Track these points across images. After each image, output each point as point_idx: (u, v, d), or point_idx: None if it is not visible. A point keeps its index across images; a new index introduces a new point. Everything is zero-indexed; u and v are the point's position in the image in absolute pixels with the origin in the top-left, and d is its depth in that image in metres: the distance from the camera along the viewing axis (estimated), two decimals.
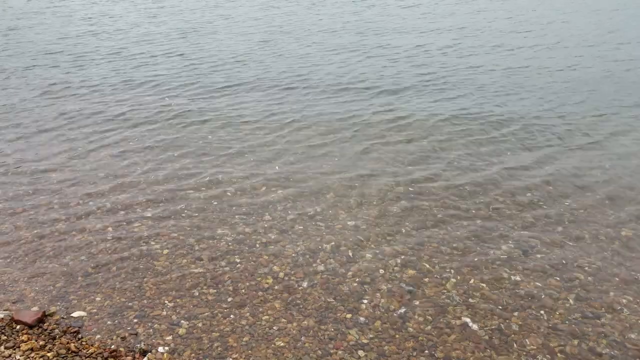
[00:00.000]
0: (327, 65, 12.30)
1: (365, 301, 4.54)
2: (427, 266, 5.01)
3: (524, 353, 3.99)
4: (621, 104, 9.31)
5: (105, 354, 3.90)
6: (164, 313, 4.41)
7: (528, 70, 11.56)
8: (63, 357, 3.85)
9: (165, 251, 5.28)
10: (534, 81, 10.78)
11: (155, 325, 4.26)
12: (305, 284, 4.77)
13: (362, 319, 4.34)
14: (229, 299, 4.58)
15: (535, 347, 4.04)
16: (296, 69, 11.94)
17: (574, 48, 13.38)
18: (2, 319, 4.32)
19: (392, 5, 19.80)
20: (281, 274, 4.90)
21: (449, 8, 19.05)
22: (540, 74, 11.28)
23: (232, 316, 4.37)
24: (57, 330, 4.20)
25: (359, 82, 10.94)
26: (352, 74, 11.57)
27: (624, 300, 4.54)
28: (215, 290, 4.69)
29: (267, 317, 4.37)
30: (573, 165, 7.05)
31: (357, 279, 4.83)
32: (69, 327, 4.23)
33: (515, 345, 4.07)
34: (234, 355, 3.95)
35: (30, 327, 4.23)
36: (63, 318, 4.36)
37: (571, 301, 4.54)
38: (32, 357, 3.85)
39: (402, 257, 5.15)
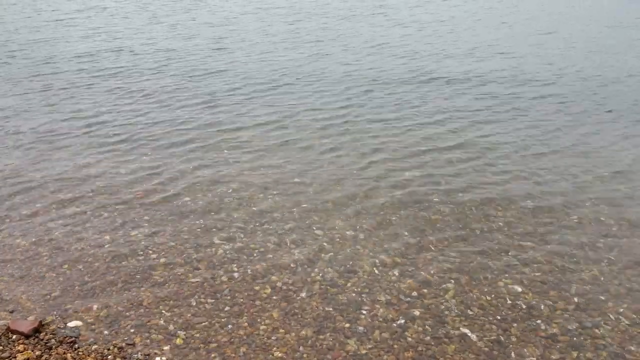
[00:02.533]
0: (330, 71, 12.33)
1: (364, 311, 4.53)
2: (426, 276, 5.00)
3: None
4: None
5: None
6: (161, 322, 4.38)
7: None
8: None
9: (163, 260, 5.25)
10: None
11: (153, 335, 4.23)
12: (303, 294, 4.75)
13: (360, 328, 4.33)
14: (227, 309, 4.55)
15: (534, 358, 4.03)
16: (300, 77, 11.97)
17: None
18: None
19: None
20: (279, 284, 4.88)
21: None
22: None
23: (229, 326, 4.34)
24: (53, 340, 4.16)
25: (362, 92, 10.96)
26: (357, 82, 11.60)
27: (623, 311, 4.54)
28: (213, 300, 4.67)
29: (265, 326, 4.34)
30: (572, 175, 7.08)
31: (355, 289, 4.81)
32: (65, 337, 4.20)
33: (513, 355, 4.06)
34: None
35: (27, 336, 4.19)
36: (59, 328, 4.32)
37: (570, 312, 4.54)
38: None
39: (401, 267, 5.14)
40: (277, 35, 16.71)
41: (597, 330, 4.32)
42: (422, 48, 14.74)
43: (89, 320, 4.40)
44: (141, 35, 16.75)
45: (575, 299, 4.69)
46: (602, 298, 4.71)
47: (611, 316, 4.48)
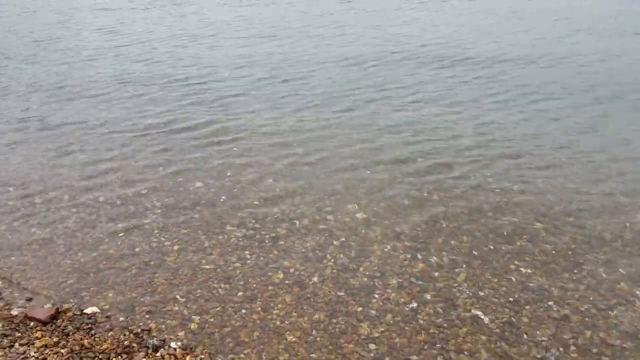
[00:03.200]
0: (337, 57, 12.28)
1: (376, 295, 4.55)
2: (438, 260, 5.01)
3: (535, 345, 3.98)
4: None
5: (119, 350, 3.93)
6: (176, 308, 4.44)
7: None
8: (77, 354, 3.88)
9: (176, 247, 5.30)
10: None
11: (168, 321, 4.29)
12: (315, 279, 4.78)
13: (373, 312, 4.35)
14: (240, 294, 4.60)
15: (546, 339, 4.04)
16: (307, 68, 11.94)
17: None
18: (16, 315, 4.36)
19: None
20: (291, 269, 4.91)
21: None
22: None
23: (243, 311, 4.39)
24: (70, 327, 4.23)
25: (373, 75, 10.91)
26: (367, 69, 11.54)
27: (635, 291, 4.53)
28: (226, 285, 4.71)
29: (278, 311, 4.38)
30: (587, 158, 7.02)
31: (367, 273, 4.83)
32: (82, 324, 4.26)
33: (526, 337, 4.07)
34: (246, 351, 3.97)
35: (44, 323, 4.26)
36: (76, 314, 4.39)
37: (582, 292, 4.53)
38: (46, 353, 3.88)
39: (412, 250, 5.15)
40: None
41: (609, 312, 4.31)
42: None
43: (104, 307, 4.47)
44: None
45: (588, 281, 4.67)
46: (615, 280, 4.69)
47: (624, 297, 4.47)
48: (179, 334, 4.15)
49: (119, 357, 3.87)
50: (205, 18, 19.18)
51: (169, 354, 3.91)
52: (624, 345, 3.97)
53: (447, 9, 20.09)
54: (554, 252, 5.08)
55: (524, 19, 17.47)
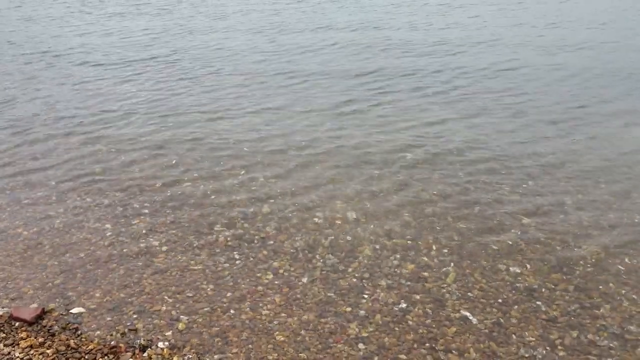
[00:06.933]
0: (321, 55, 12.28)
1: (365, 295, 4.54)
2: (427, 260, 5.01)
3: (523, 345, 3.99)
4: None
5: (105, 350, 3.90)
6: (164, 308, 4.40)
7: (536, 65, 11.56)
8: (62, 354, 3.84)
9: (164, 247, 5.27)
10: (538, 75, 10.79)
11: (155, 321, 4.25)
12: (305, 279, 4.76)
13: (362, 312, 4.34)
14: (229, 294, 4.57)
15: (534, 339, 4.05)
16: (296, 62, 11.93)
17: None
18: (1, 316, 4.31)
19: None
20: (281, 270, 4.89)
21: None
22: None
23: (232, 311, 4.36)
24: (56, 327, 4.19)
25: (361, 73, 10.93)
26: (358, 65, 11.56)
27: (624, 291, 4.55)
28: (214, 286, 4.68)
29: (267, 311, 4.36)
30: (576, 155, 7.06)
31: (356, 273, 4.82)
32: (68, 324, 4.22)
33: (514, 337, 4.07)
34: (234, 350, 3.94)
35: (30, 324, 4.22)
36: (62, 315, 4.34)
37: (570, 292, 4.54)
38: (32, 354, 3.84)
39: (402, 250, 5.15)
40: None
41: (597, 311, 4.33)
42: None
43: (91, 307, 4.43)
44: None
45: (577, 280, 4.69)
46: (604, 279, 4.71)
47: (612, 297, 4.49)
48: (167, 333, 4.12)
49: (106, 357, 3.83)
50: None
51: (156, 354, 3.88)
52: (612, 345, 3.98)
53: None
54: (543, 251, 5.09)
55: None
